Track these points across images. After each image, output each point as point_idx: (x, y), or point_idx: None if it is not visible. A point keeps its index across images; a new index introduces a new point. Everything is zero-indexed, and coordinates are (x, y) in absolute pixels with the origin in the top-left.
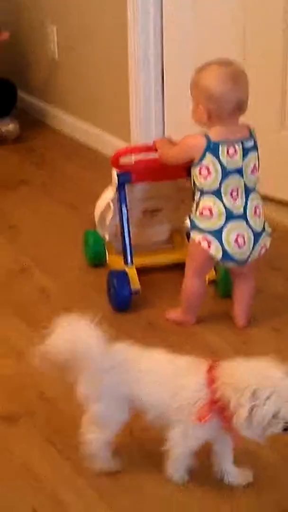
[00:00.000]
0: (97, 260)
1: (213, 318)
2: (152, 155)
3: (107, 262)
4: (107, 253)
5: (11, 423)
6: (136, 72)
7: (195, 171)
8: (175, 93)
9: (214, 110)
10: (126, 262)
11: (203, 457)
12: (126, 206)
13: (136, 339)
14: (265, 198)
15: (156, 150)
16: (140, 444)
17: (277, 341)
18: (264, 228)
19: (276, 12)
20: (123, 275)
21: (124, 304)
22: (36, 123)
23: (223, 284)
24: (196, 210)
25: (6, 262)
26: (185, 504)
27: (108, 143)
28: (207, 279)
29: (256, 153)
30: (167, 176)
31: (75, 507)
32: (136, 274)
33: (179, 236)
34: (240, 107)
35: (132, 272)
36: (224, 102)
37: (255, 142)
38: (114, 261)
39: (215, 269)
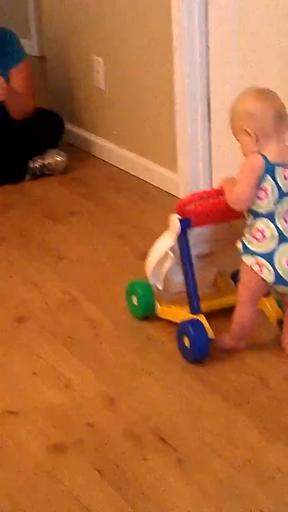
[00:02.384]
0: (148, 312)
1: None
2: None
3: (158, 313)
4: (157, 304)
5: (60, 452)
6: (183, 103)
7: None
8: (222, 122)
9: (259, 128)
10: (194, 311)
11: None
12: (190, 252)
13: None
14: None
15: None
16: None
17: None
18: None
19: None
20: (198, 323)
21: (204, 352)
22: (83, 155)
23: None
24: (248, 234)
25: (55, 293)
26: None
27: (155, 174)
28: (276, 319)
29: None
30: (226, 218)
31: None
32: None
33: (223, 280)
34: (280, 116)
35: (204, 320)
36: (264, 115)
37: None
38: (166, 311)
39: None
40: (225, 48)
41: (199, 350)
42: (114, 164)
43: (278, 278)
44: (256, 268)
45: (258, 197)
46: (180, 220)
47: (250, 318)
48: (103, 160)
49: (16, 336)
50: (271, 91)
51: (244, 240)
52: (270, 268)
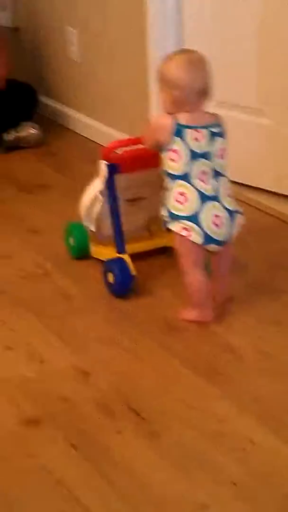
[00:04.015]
0: (82, 252)
1: None
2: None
3: (91, 253)
4: (91, 245)
5: (33, 426)
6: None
7: (165, 156)
8: None
9: (179, 98)
10: (120, 250)
11: None
12: (116, 196)
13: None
14: (241, 185)
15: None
16: None
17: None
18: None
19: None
20: (122, 261)
21: (127, 288)
22: (57, 127)
23: None
24: (171, 199)
25: (26, 266)
26: None
27: None
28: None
29: (224, 140)
30: (151, 164)
31: (97, 510)
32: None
33: (156, 223)
34: (204, 92)
35: (128, 259)
36: (188, 89)
37: (222, 129)
38: (98, 251)
39: None
40: (199, 16)
41: (121, 286)
42: (88, 137)
43: (207, 238)
44: (184, 233)
45: (172, 159)
46: (108, 165)
47: (198, 283)
48: (78, 132)
49: None
50: (203, 60)
51: (168, 207)
52: (198, 229)
